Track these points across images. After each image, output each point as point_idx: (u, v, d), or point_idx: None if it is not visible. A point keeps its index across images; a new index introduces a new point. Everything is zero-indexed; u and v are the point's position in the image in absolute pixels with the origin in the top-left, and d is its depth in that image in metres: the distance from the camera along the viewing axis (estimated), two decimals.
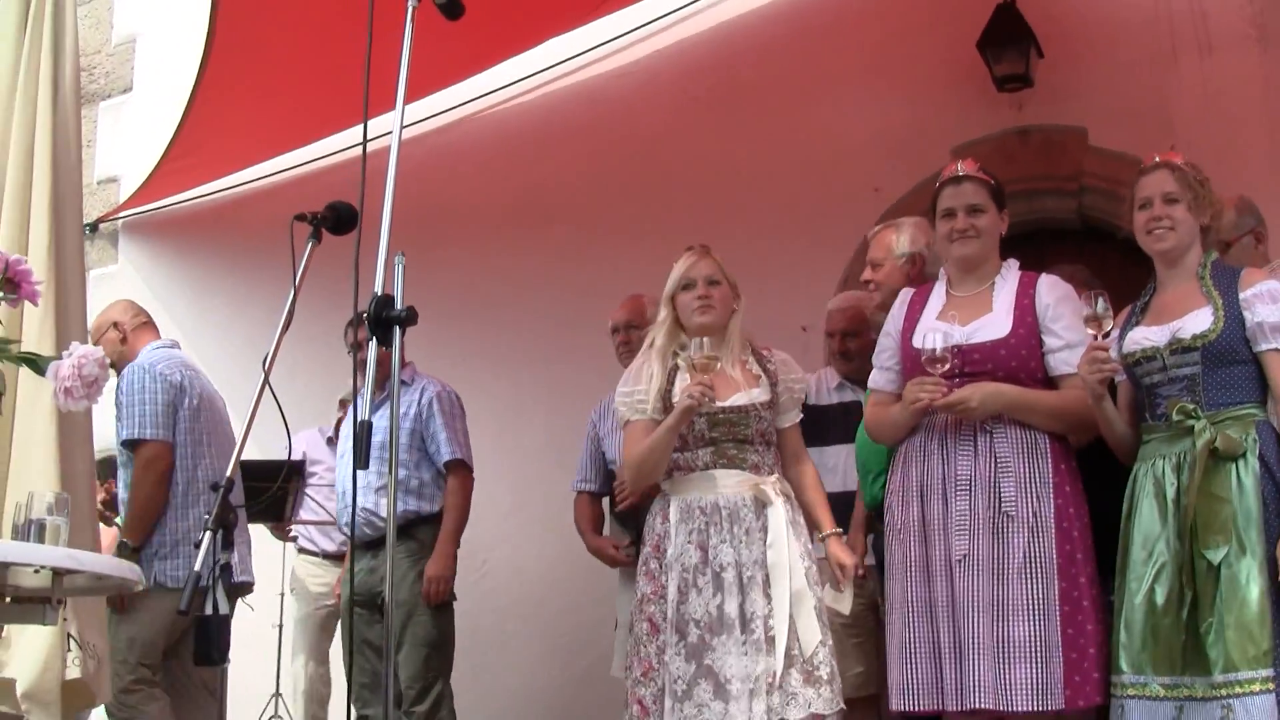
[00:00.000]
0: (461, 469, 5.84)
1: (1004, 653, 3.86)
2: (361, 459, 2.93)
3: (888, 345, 4.31)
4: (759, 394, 4.32)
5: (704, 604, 4.11)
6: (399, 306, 3.01)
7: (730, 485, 4.24)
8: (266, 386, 3.45)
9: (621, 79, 7.52)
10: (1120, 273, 5.30)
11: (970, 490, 4.01)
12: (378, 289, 3.03)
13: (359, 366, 3.88)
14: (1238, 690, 3.52)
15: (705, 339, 4.18)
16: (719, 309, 4.37)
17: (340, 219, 3.61)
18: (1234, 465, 3.69)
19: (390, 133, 3.28)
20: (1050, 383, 4.12)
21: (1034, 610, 3.87)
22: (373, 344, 3.02)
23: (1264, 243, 4.54)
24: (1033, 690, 3.82)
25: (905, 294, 4.34)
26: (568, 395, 6.76)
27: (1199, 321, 3.81)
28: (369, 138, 3.39)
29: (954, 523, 3.99)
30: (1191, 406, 3.77)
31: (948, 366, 3.99)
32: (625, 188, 7.31)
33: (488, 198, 7.54)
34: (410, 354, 6.59)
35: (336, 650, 6.97)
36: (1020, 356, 4.08)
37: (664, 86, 7.37)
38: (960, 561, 3.95)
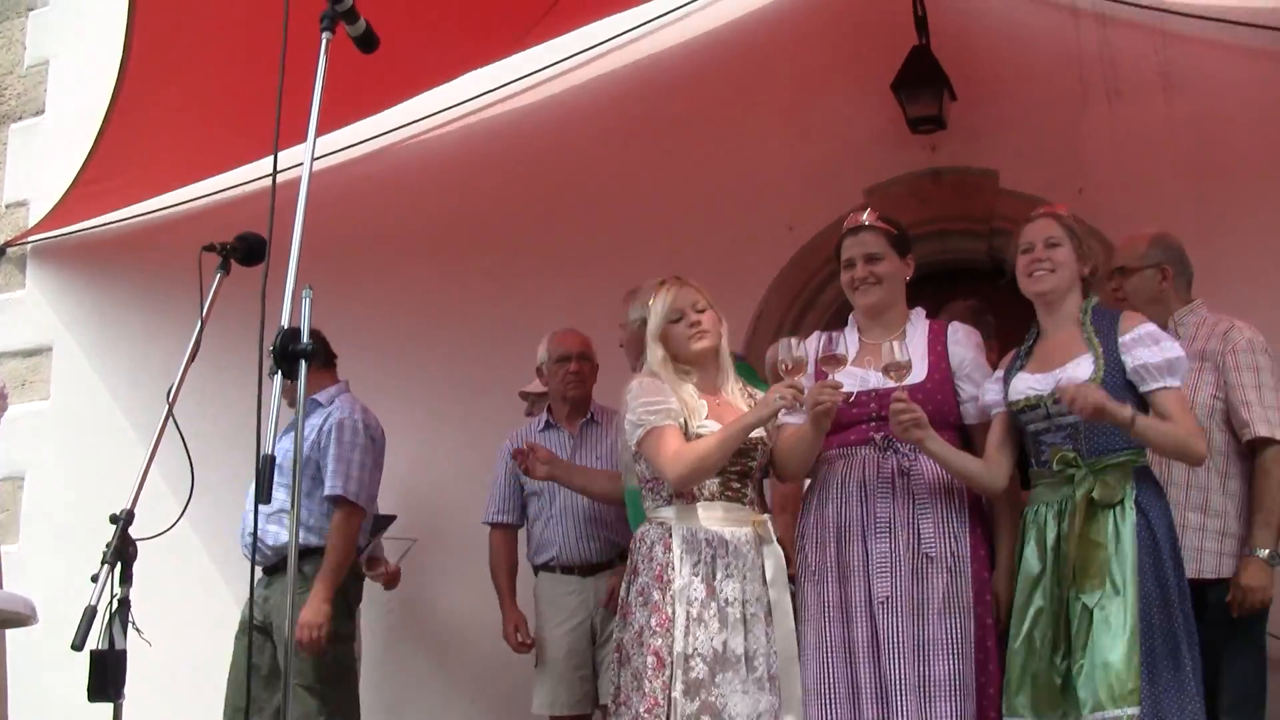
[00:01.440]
0: (344, 505, 5.55)
1: (926, 691, 3.89)
2: (264, 493, 2.90)
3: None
4: (762, 430, 4.25)
5: (708, 638, 4.02)
6: (305, 340, 2.98)
7: (734, 519, 4.18)
8: (171, 419, 3.41)
9: (543, 112, 7.53)
10: (1029, 313, 5.36)
11: (890, 531, 4.03)
12: (284, 322, 3.00)
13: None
14: None
15: (792, 339, 4.11)
16: (713, 332, 4.33)
17: (250, 250, 3.59)
18: (1112, 512, 3.76)
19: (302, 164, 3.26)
20: (963, 429, 4.19)
21: (954, 649, 3.92)
22: (278, 377, 2.98)
23: (1169, 280, 4.58)
24: None
25: (819, 337, 4.35)
26: (484, 429, 6.73)
27: (1080, 370, 3.88)
28: (286, 168, 3.37)
29: (874, 564, 4.01)
30: (1072, 455, 3.84)
31: (846, 366, 4.03)
32: (545, 221, 7.30)
33: (409, 229, 7.49)
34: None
35: None
36: (936, 401, 4.13)
37: (585, 120, 7.39)
38: (883, 603, 3.96)
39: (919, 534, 4.02)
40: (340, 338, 6.19)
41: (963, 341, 4.28)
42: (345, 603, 5.58)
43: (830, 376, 4.02)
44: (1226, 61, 6.58)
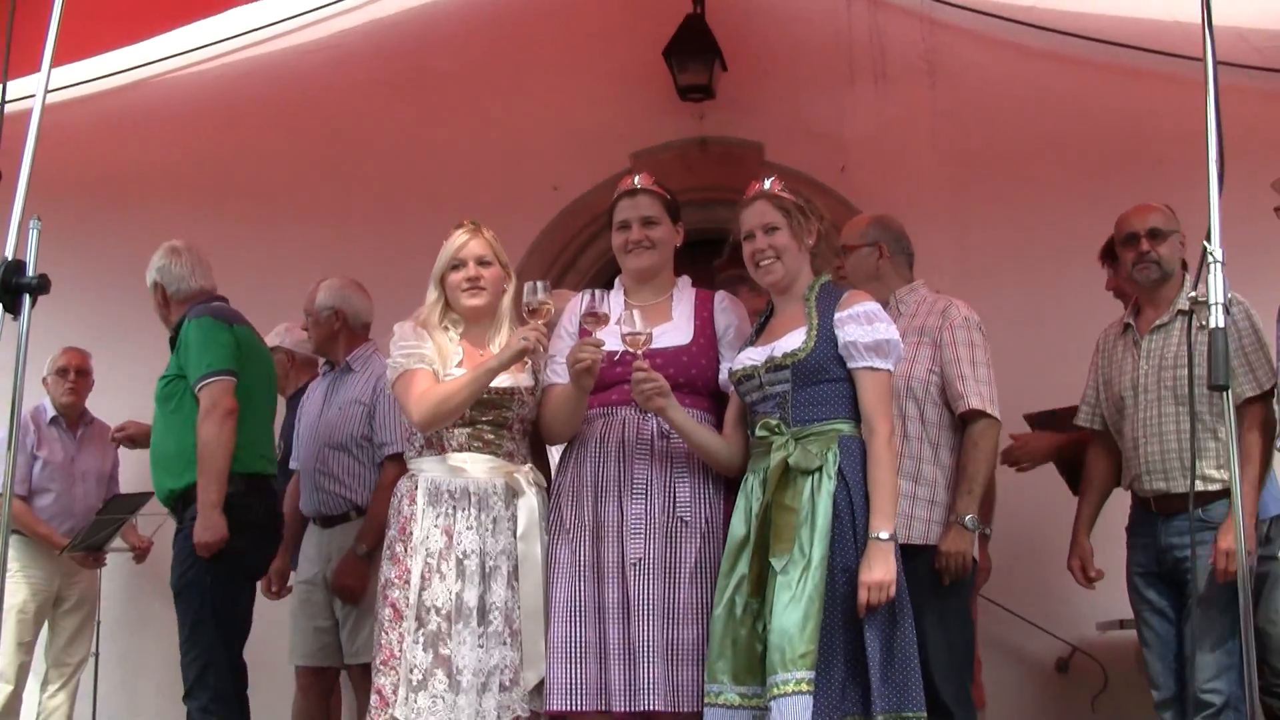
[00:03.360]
0: None
1: (674, 655, 3.89)
2: None
3: (563, 345, 4.25)
4: (525, 379, 4.20)
5: (446, 591, 3.97)
6: (31, 273, 2.82)
7: (482, 470, 4.11)
8: None
9: (310, 55, 7.35)
10: None
11: (646, 493, 4.02)
12: (9, 253, 2.84)
13: None
14: (776, 691, 3.59)
15: (539, 282, 4.02)
16: (490, 291, 4.23)
17: None
18: (810, 478, 3.79)
19: (35, 94, 3.08)
20: (720, 397, 4.20)
21: (703, 614, 3.92)
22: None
23: (886, 258, 4.65)
24: (699, 691, 3.86)
25: (583, 296, 4.32)
26: None
27: (792, 341, 3.91)
28: (21, 96, 3.19)
29: (629, 526, 3.99)
30: (775, 423, 3.86)
31: (608, 326, 4.00)
32: (306, 166, 7.18)
33: (163, 166, 7.25)
34: (73, 324, 6.49)
35: None
36: (700, 365, 4.14)
37: (353, 67, 7.24)
38: (634, 565, 3.95)
39: (675, 498, 4.01)
40: (86, 275, 5.96)
41: (728, 309, 4.29)
42: None
43: (592, 335, 4.00)
44: (989, 53, 6.84)
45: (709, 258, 5.80)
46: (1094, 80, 6.64)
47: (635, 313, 3.94)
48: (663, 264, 4.30)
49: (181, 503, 4.93)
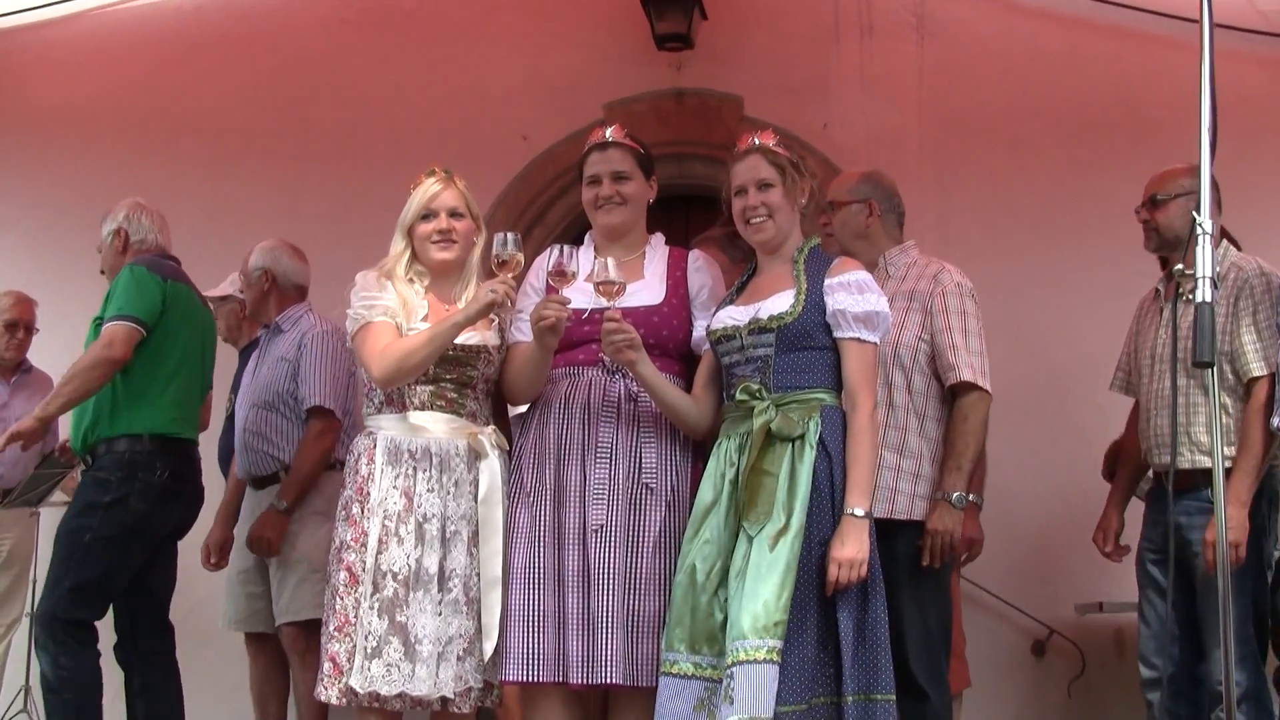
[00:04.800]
0: None
1: (634, 627, 3.81)
2: None
3: (529, 301, 4.13)
4: (492, 337, 4.10)
5: (404, 556, 3.87)
6: None
7: (443, 430, 4.00)
8: None
9: None
10: None
11: (610, 458, 3.92)
12: None
13: None
14: (743, 657, 3.50)
15: (509, 234, 3.90)
16: (460, 245, 4.12)
17: None
18: (791, 446, 3.71)
19: None
20: (690, 360, 4.11)
21: (666, 585, 3.84)
22: None
23: (875, 216, 4.51)
24: (660, 665, 3.76)
25: (551, 251, 4.14)
26: None
27: (779, 304, 3.82)
28: None
29: (592, 491, 3.90)
30: (757, 387, 3.78)
31: (575, 283, 3.91)
32: (264, 106, 6.98)
33: (111, 102, 7.04)
34: (12, 263, 6.42)
35: None
36: (672, 326, 4.06)
37: (315, 3, 7.03)
38: (596, 531, 3.86)
39: (640, 463, 3.93)
40: (28, 213, 5.77)
41: (703, 269, 4.20)
42: None
43: (559, 292, 3.90)
44: (980, 10, 6.73)
45: (683, 214, 5.66)
46: (1088, 41, 6.55)
47: (609, 261, 3.83)
48: (634, 221, 4.20)
49: (93, 454, 5.03)
